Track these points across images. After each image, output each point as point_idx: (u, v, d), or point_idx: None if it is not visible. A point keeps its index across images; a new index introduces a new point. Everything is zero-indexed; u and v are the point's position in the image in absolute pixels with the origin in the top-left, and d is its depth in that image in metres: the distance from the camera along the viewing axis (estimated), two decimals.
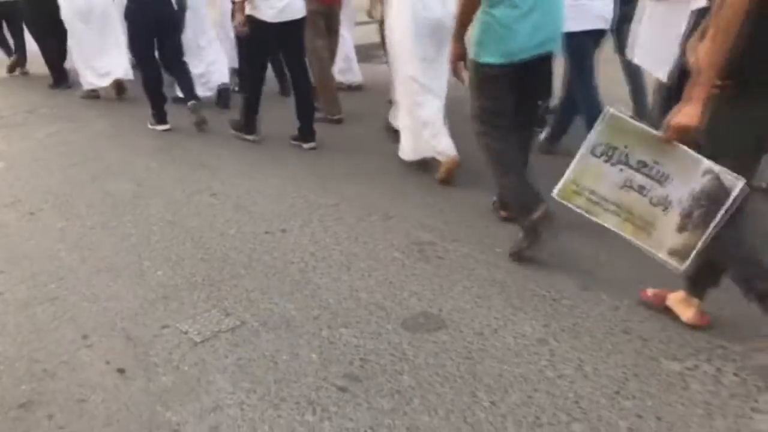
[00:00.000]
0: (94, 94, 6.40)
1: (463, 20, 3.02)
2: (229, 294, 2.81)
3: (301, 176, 4.21)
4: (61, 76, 6.97)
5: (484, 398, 2.12)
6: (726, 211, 2.11)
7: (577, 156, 2.37)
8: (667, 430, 1.96)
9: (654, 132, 2.23)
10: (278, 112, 5.29)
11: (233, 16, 4.75)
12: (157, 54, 5.26)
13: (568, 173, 2.39)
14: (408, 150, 4.14)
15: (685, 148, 2.17)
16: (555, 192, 2.42)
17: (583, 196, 2.37)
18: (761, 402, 2.07)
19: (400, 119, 4.21)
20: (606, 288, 2.75)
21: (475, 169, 3.76)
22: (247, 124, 4.93)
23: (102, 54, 6.07)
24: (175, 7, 5.24)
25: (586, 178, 2.36)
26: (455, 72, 3.19)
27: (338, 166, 4.35)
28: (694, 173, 2.18)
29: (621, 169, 2.30)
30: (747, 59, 1.98)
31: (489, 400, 2.11)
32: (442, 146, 3.94)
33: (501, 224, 3.38)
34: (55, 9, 5.96)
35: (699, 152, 2.16)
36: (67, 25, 6.04)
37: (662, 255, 2.27)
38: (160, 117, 5.33)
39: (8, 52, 7.88)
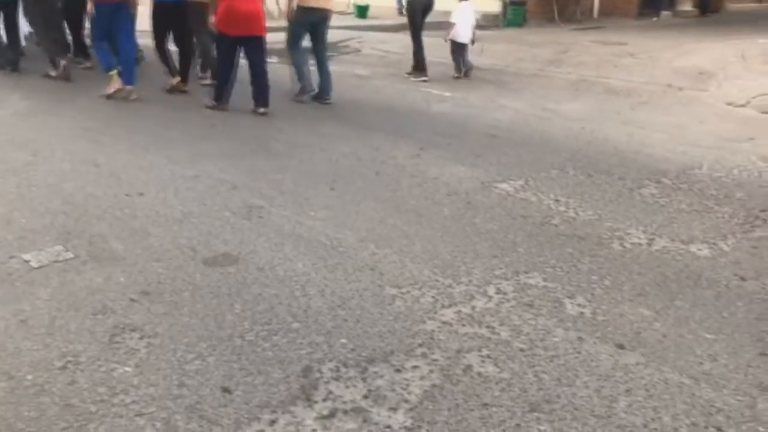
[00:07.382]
0: None
1: None
2: (75, 237, 3.43)
3: (176, 154, 4.84)
4: None
5: (238, 308, 2.78)
6: None
7: None
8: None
9: None
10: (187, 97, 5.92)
11: None
12: None
13: None
14: None
15: None
16: None
17: None
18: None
19: None
20: (377, 241, 3.44)
21: (318, 150, 4.42)
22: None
23: None
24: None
25: None
26: None
27: (212, 149, 4.99)
28: None
29: None
30: None
31: (240, 308, 2.77)
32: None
33: (328, 195, 4.06)
34: None
35: None
36: None
37: None
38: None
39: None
